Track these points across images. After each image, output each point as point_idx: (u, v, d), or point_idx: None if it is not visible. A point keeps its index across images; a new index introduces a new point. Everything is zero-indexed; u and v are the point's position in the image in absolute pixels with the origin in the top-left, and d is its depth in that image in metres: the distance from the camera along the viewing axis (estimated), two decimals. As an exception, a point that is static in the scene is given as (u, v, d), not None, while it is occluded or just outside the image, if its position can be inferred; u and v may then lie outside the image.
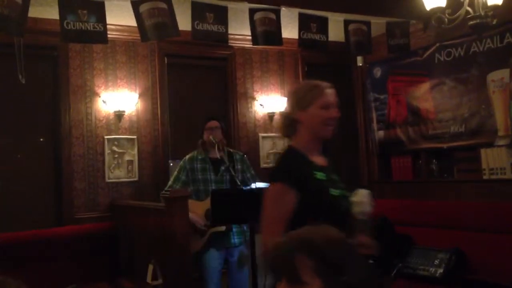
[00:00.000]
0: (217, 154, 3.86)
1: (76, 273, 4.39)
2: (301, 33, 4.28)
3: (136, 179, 5.05)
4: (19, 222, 4.55)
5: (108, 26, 3.68)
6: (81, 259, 4.50)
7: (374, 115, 5.84)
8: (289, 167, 2.02)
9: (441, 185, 5.07)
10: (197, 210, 3.76)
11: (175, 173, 4.01)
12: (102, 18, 3.62)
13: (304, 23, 4.29)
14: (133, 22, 3.76)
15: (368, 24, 4.55)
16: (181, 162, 4.03)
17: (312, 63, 6.06)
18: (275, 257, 1.23)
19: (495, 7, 3.03)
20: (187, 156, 4.02)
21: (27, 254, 4.27)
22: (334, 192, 2.05)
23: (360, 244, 1.82)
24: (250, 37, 4.17)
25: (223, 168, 3.89)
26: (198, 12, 3.88)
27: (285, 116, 2.16)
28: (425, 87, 5.17)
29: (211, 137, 3.88)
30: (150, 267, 3.71)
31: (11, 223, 4.49)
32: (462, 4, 3.00)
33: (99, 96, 4.97)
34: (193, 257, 3.75)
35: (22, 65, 3.64)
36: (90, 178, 4.88)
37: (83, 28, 3.57)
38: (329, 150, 2.19)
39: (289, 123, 2.11)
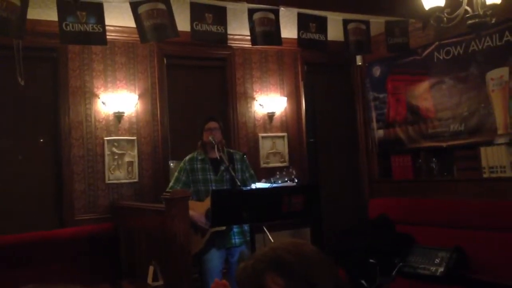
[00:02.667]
0: (216, 155, 3.87)
1: (77, 275, 4.40)
2: (300, 33, 4.28)
3: (136, 180, 5.05)
4: (19, 224, 4.54)
5: (107, 28, 3.68)
6: (81, 260, 4.50)
7: (373, 114, 5.85)
8: None
9: (441, 184, 5.07)
10: (198, 210, 3.77)
11: (176, 174, 4.02)
12: (101, 20, 3.62)
13: (303, 23, 4.29)
14: (132, 23, 3.75)
15: (367, 23, 4.55)
16: (181, 163, 4.04)
17: (312, 63, 6.07)
18: (244, 278, 1.20)
19: (493, 6, 3.03)
20: (187, 157, 4.03)
21: (27, 256, 4.27)
22: None
23: None
24: (249, 37, 4.16)
25: (222, 168, 3.90)
26: (197, 12, 3.87)
27: None
28: (424, 86, 5.17)
29: (210, 138, 3.89)
30: (151, 268, 3.71)
31: (11, 225, 4.49)
32: (460, 3, 2.99)
33: (99, 98, 4.97)
34: (194, 258, 3.76)
35: (21, 67, 3.63)
36: (90, 180, 4.88)
37: (82, 29, 3.56)
38: None
39: None
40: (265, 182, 3.83)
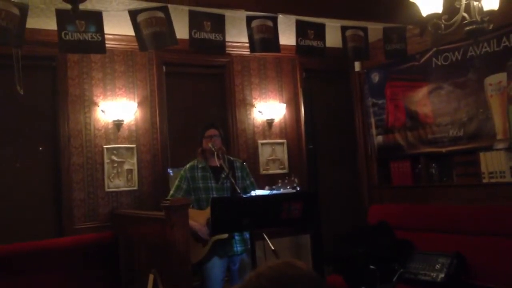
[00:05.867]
0: (216, 162, 3.87)
1: (77, 283, 4.38)
2: (299, 40, 4.29)
3: (135, 188, 5.05)
4: (19, 233, 4.53)
5: (106, 36, 3.69)
6: (81, 269, 4.48)
7: (372, 120, 5.85)
8: None
9: (441, 190, 5.07)
10: (199, 219, 3.76)
11: (176, 182, 4.01)
12: (100, 28, 3.63)
13: (301, 30, 4.30)
14: (131, 32, 3.77)
15: (365, 30, 4.56)
16: (182, 171, 4.04)
17: (310, 69, 6.09)
18: None
19: (491, 12, 3.04)
20: (187, 165, 4.03)
21: (27, 265, 4.25)
22: None
23: None
24: (247, 45, 4.18)
25: (223, 175, 3.90)
26: (195, 20, 3.88)
27: None
28: (423, 91, 5.18)
29: (210, 145, 3.89)
30: (151, 277, 3.70)
31: (11, 234, 4.48)
32: (458, 10, 3.00)
33: (98, 106, 4.97)
34: (195, 266, 3.75)
35: (21, 76, 3.64)
36: (90, 188, 4.88)
37: (81, 38, 3.58)
38: None
39: None
40: (267, 190, 3.83)
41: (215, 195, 3.84)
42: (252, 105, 5.75)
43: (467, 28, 3.03)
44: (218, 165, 3.87)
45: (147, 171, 5.14)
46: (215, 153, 3.87)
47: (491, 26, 3.08)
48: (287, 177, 3.90)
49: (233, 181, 3.79)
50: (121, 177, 4.99)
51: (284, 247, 5.38)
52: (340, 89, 6.29)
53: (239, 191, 3.77)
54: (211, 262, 3.75)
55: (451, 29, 3.07)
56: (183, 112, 5.48)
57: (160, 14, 3.71)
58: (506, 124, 4.37)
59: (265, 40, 4.14)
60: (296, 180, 3.75)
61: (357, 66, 6.06)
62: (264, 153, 5.74)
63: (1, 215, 4.52)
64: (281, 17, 4.20)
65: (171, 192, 4.01)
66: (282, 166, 5.81)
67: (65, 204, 4.78)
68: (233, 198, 3.68)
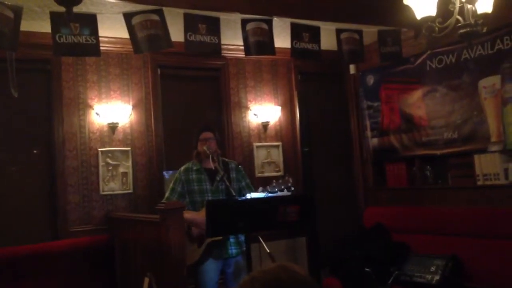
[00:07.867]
0: (211, 165, 3.87)
1: (72, 286, 4.36)
2: (294, 42, 4.30)
3: (130, 191, 5.03)
4: (13, 236, 4.50)
5: (100, 39, 3.68)
6: (77, 272, 4.47)
7: (367, 122, 5.87)
8: None
9: (436, 192, 5.08)
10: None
11: (171, 185, 4.01)
12: (94, 31, 3.62)
13: (296, 32, 4.31)
14: (125, 34, 3.76)
15: (360, 32, 4.57)
16: (177, 174, 4.03)
17: (305, 72, 6.09)
18: None
19: (485, 15, 3.05)
20: (182, 168, 4.03)
21: (22, 269, 4.24)
22: None
23: None
24: (243, 47, 4.18)
25: (218, 178, 3.89)
26: (190, 23, 3.88)
27: None
28: (417, 94, 5.20)
29: (205, 148, 3.89)
30: (146, 280, 3.68)
31: (5, 237, 4.45)
32: (452, 13, 3.01)
33: (93, 109, 4.96)
34: (190, 268, 3.74)
35: (15, 79, 3.62)
36: (85, 191, 4.86)
37: (76, 41, 3.57)
38: None
39: None
40: (262, 191, 3.82)
41: (210, 198, 3.84)
42: (247, 108, 5.75)
43: (461, 31, 3.04)
44: (213, 168, 3.87)
45: (142, 174, 5.13)
46: (210, 156, 3.86)
47: (485, 29, 3.10)
48: (281, 177, 3.90)
49: (228, 183, 3.79)
50: (116, 180, 4.97)
51: (280, 250, 5.38)
52: (335, 92, 6.30)
53: (233, 193, 3.76)
54: (205, 264, 3.74)
55: (445, 32, 3.07)
56: (178, 115, 5.47)
57: (155, 17, 3.71)
58: (500, 126, 4.39)
59: (260, 43, 4.14)
60: (290, 180, 3.75)
61: (352, 68, 6.08)
62: (260, 156, 5.74)
63: (-5, 219, 4.50)
64: (276, 20, 4.20)
65: (166, 194, 4.01)
66: (277, 169, 5.81)
67: (60, 207, 4.76)
68: (228, 201, 3.67)
